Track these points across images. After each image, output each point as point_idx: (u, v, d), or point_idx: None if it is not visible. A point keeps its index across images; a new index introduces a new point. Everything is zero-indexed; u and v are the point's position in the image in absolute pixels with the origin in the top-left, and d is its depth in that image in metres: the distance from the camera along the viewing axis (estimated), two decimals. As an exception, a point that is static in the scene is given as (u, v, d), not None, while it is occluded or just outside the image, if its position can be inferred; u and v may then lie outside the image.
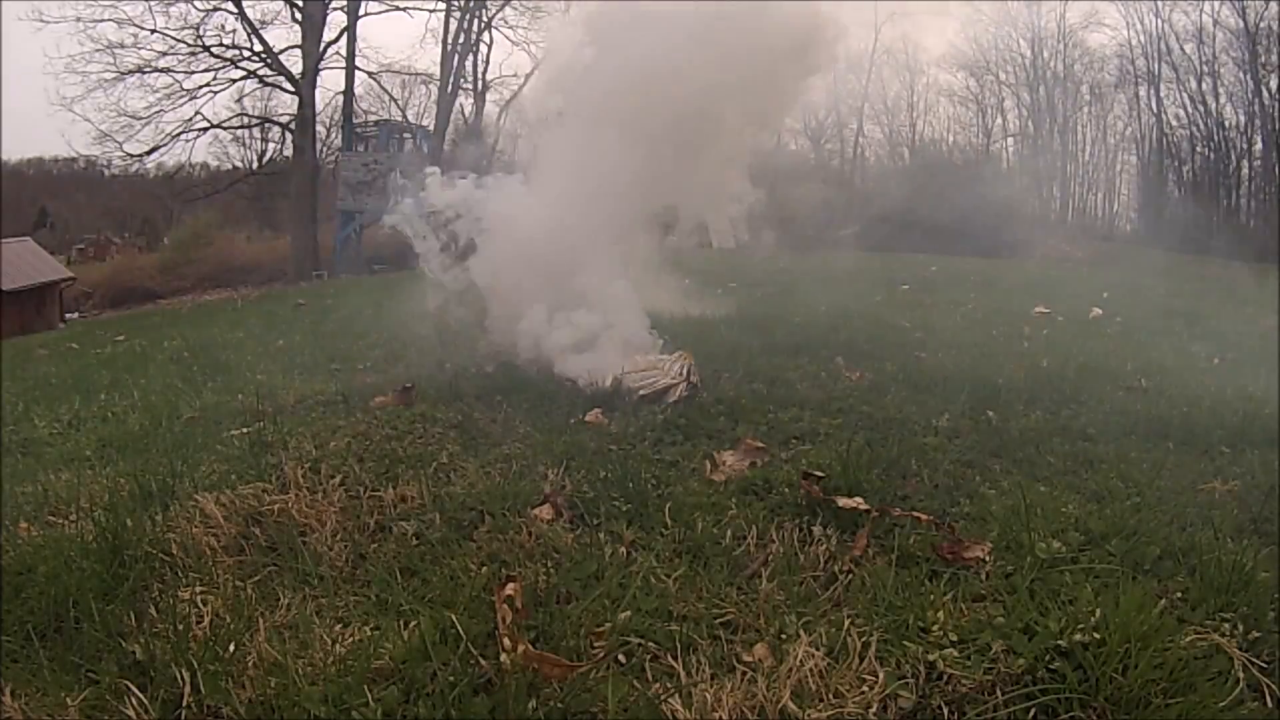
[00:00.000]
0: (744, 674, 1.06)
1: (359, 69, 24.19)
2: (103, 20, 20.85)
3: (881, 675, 1.03)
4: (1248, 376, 3.32)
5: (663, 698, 1.00)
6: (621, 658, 1.10)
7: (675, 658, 1.09)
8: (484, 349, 2.95)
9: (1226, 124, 26.25)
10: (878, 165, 27.72)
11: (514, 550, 1.41)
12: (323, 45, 22.45)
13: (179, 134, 22.30)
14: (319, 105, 23.54)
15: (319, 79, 22.58)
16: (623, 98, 2.79)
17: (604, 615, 1.18)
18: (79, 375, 3.65)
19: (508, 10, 26.36)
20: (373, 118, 24.21)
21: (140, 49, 21.23)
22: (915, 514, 1.50)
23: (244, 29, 21.94)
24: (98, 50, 20.88)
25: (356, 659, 1.06)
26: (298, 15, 21.91)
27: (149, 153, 22.21)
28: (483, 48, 27.91)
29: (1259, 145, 25.47)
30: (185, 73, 21.91)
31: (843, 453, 1.85)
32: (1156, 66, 26.87)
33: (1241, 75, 25.34)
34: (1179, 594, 1.23)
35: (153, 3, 20.80)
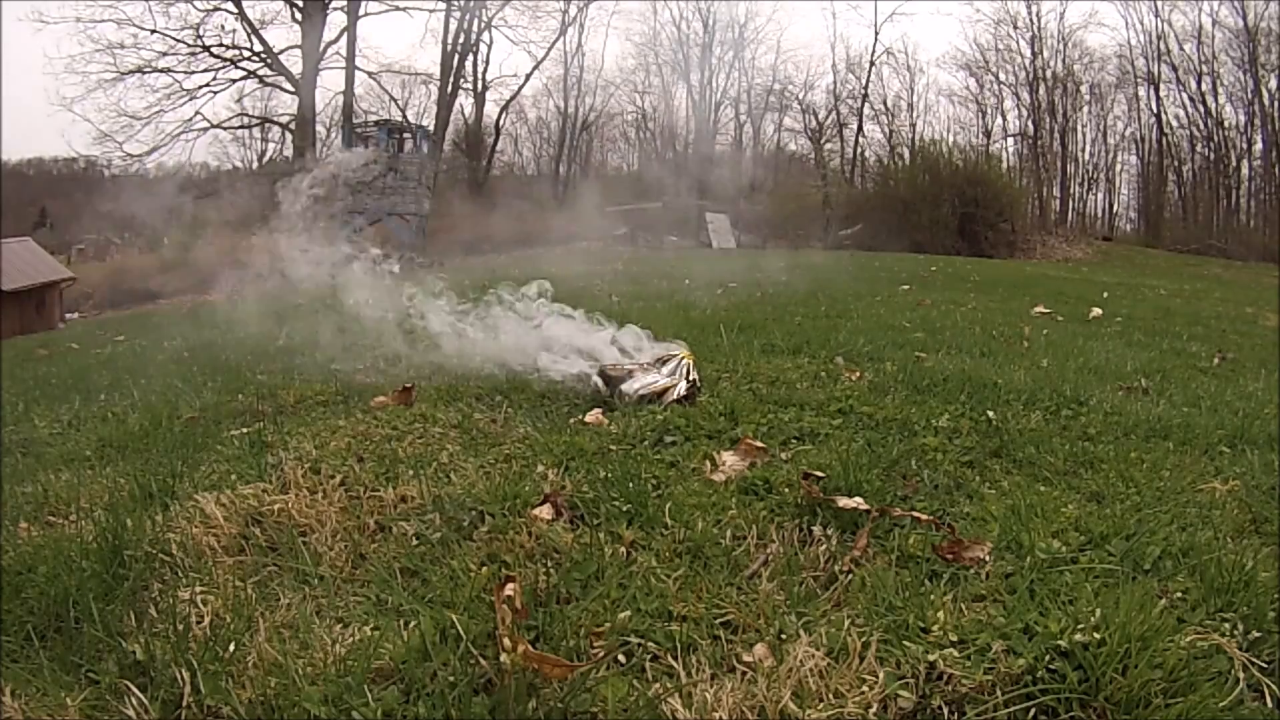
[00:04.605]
0: (744, 674, 1.05)
1: (359, 69, 24.25)
2: (103, 20, 20.91)
3: (881, 675, 1.03)
4: (1248, 376, 3.32)
5: (663, 698, 1.00)
6: (621, 658, 1.10)
7: (675, 658, 1.09)
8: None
9: (1226, 124, 26.30)
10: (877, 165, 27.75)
11: (514, 550, 1.40)
12: (323, 45, 22.49)
13: (179, 134, 22.34)
14: (319, 105, 23.60)
15: (319, 79, 22.62)
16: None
17: (604, 615, 1.18)
18: (79, 375, 3.65)
19: (508, 10, 26.46)
20: (373, 118, 24.26)
21: (140, 49, 21.29)
22: (915, 514, 1.49)
23: (244, 29, 22.00)
24: (98, 50, 20.95)
25: (356, 659, 1.06)
26: (298, 15, 21.93)
27: (149, 153, 22.25)
28: (483, 48, 28.01)
29: (1259, 145, 25.52)
30: (185, 73, 21.97)
31: (843, 453, 1.85)
32: (1156, 66, 26.92)
33: (1241, 75, 25.40)
34: (1179, 594, 1.23)
35: (153, 3, 20.86)
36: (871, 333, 4.01)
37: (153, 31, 21.21)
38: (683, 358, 2.49)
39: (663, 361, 2.49)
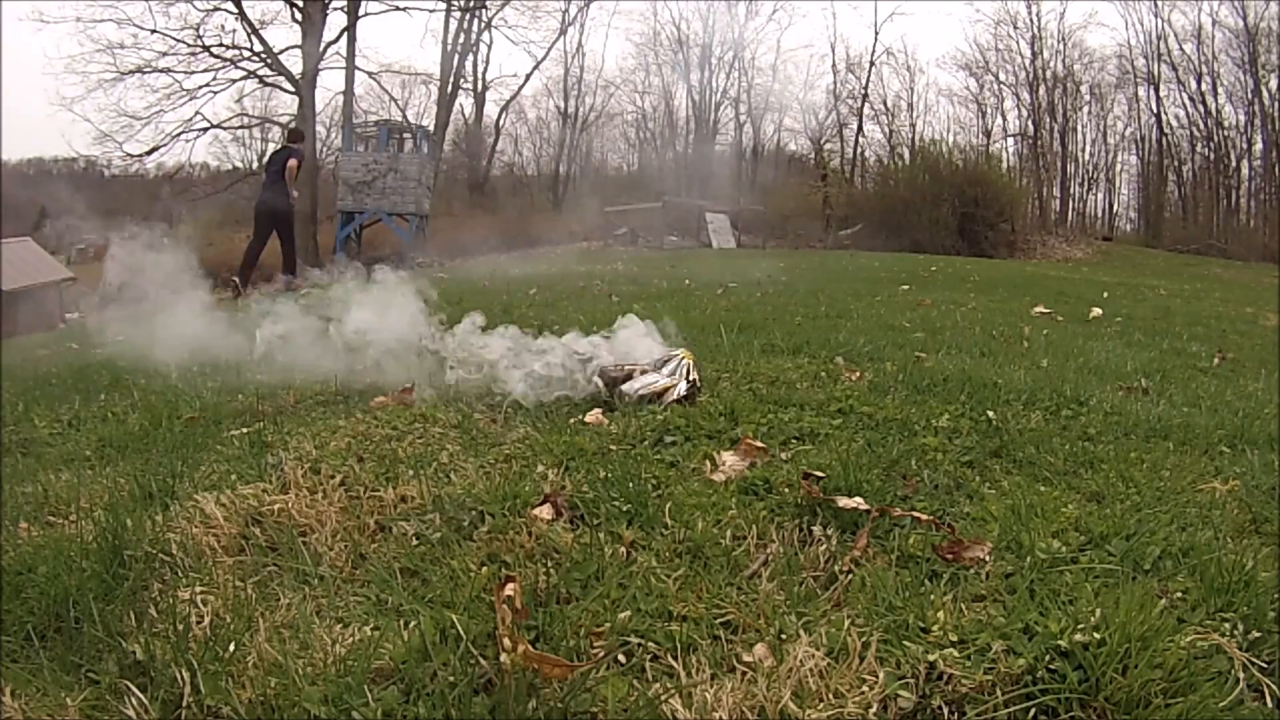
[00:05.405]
0: (744, 674, 1.05)
1: (359, 69, 24.28)
2: (103, 20, 20.93)
3: (881, 675, 1.03)
4: (1248, 376, 3.32)
5: (663, 698, 1.00)
6: (621, 658, 1.10)
7: (675, 658, 1.09)
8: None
9: (1226, 124, 26.31)
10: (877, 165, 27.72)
11: (514, 550, 1.41)
12: (323, 45, 22.49)
13: (179, 134, 22.38)
14: (319, 105, 23.62)
15: (319, 79, 22.62)
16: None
17: (604, 615, 1.18)
18: (79, 375, 3.65)
19: (508, 10, 26.49)
20: (373, 118, 24.27)
21: (140, 49, 21.31)
22: (915, 514, 1.49)
23: (244, 29, 22.02)
24: (98, 50, 20.97)
25: (356, 659, 1.06)
26: (298, 15, 21.92)
27: (149, 153, 22.29)
28: (483, 48, 28.04)
29: (1259, 145, 25.53)
30: (185, 73, 21.99)
31: (843, 453, 1.85)
32: (1156, 66, 26.93)
33: (1241, 75, 25.41)
34: (1179, 594, 1.23)
35: (153, 3, 20.89)
36: (871, 333, 4.01)
37: (153, 31, 21.23)
38: (683, 358, 2.49)
39: (663, 361, 2.49)
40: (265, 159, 9.65)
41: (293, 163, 8.97)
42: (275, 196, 8.95)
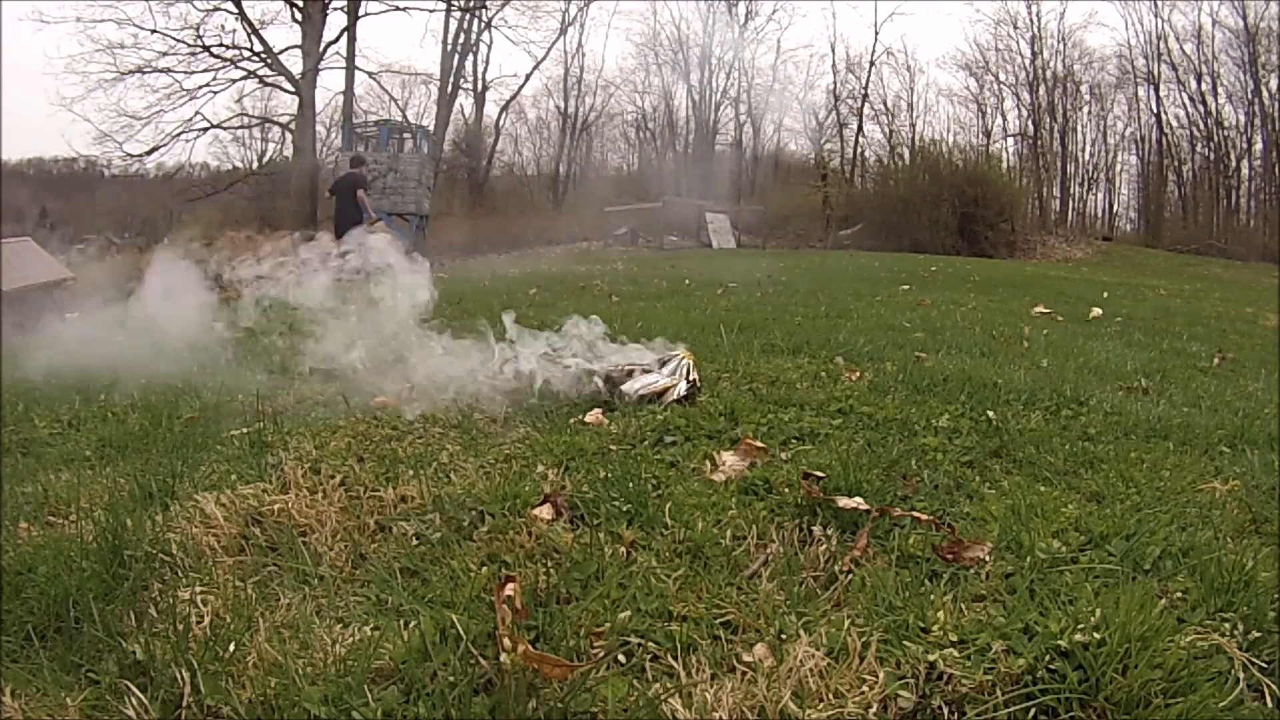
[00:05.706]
0: (744, 674, 1.05)
1: (359, 69, 24.27)
2: (103, 20, 20.93)
3: (881, 675, 1.03)
4: (1248, 376, 3.32)
5: (663, 698, 1.00)
6: (621, 658, 1.10)
7: (675, 658, 1.09)
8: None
9: (1226, 124, 26.31)
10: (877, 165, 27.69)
11: (514, 550, 1.41)
12: (323, 45, 22.46)
13: (179, 134, 22.38)
14: (319, 105, 23.62)
15: (319, 79, 22.61)
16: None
17: (604, 615, 1.18)
18: (79, 375, 3.65)
19: (508, 10, 26.49)
20: (373, 118, 24.25)
21: (140, 49, 21.29)
22: (915, 514, 1.50)
23: (244, 29, 21.99)
24: (98, 50, 20.97)
25: (356, 659, 1.06)
26: (298, 15, 21.89)
27: (149, 153, 22.30)
28: (483, 48, 28.04)
29: (1259, 145, 25.52)
30: (185, 73, 21.97)
31: (843, 453, 1.85)
32: (1156, 66, 26.93)
33: (1241, 75, 25.40)
34: (1179, 594, 1.23)
35: (153, 3, 20.87)
36: (871, 333, 4.02)
37: (153, 31, 21.22)
38: (683, 358, 2.49)
39: (663, 362, 2.49)
40: (331, 183, 12.15)
41: (361, 193, 11.23)
42: (351, 216, 11.16)
